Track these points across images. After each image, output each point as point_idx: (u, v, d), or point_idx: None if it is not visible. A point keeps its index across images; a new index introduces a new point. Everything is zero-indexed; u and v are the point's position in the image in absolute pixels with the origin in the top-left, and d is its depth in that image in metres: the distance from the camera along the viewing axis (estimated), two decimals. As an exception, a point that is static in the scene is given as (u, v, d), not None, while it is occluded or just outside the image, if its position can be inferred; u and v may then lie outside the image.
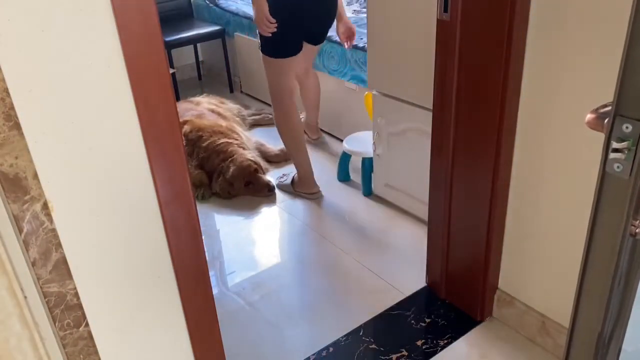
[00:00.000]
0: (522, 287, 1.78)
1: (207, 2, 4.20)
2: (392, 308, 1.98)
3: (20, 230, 0.90)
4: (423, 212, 2.23)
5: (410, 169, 2.37)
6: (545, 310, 1.72)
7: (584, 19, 1.33)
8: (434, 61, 1.70)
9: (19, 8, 0.82)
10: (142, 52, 0.95)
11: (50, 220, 0.93)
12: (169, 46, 3.76)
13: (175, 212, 1.10)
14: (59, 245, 0.96)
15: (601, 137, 0.75)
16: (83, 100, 0.92)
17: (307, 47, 2.62)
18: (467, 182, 1.73)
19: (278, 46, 2.48)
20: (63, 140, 0.92)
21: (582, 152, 1.44)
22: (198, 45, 4.41)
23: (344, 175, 2.86)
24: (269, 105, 3.71)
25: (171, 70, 3.64)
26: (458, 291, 1.94)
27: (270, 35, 2.39)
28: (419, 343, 1.82)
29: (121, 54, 0.93)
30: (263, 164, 2.93)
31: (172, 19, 4.11)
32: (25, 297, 0.91)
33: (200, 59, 4.54)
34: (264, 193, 2.76)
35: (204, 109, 3.15)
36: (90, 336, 1.06)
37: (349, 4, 3.73)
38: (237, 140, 2.94)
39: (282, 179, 2.87)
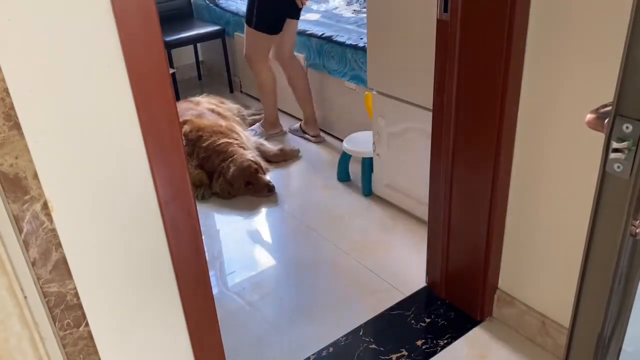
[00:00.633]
0: (522, 287, 1.78)
1: (207, 2, 4.20)
2: (392, 308, 1.98)
3: (20, 230, 0.90)
4: (423, 212, 2.23)
5: (410, 169, 2.37)
6: (545, 310, 1.72)
7: (584, 19, 1.33)
8: (434, 61, 1.70)
9: (19, 8, 0.82)
10: (142, 52, 0.95)
11: (50, 220, 0.93)
12: (169, 46, 3.76)
13: (175, 212, 1.10)
14: (59, 245, 0.96)
15: (601, 137, 0.75)
16: (83, 100, 0.92)
17: (289, 23, 3.02)
18: (467, 182, 1.73)
19: (270, 23, 2.99)
20: (63, 140, 0.92)
21: (582, 152, 1.44)
22: (198, 45, 4.42)
23: (344, 175, 2.86)
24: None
25: (171, 70, 3.64)
26: (458, 291, 1.94)
27: (264, 10, 2.91)
28: (419, 343, 1.83)
29: (121, 54, 0.93)
30: (263, 164, 2.94)
31: (172, 19, 4.11)
32: (25, 297, 0.91)
33: (200, 59, 4.54)
34: (264, 193, 2.76)
35: (204, 109, 3.15)
36: (90, 336, 1.06)
37: (349, 4, 3.74)
38: (237, 140, 2.94)
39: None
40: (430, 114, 1.79)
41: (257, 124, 3.46)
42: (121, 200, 1.02)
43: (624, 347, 0.87)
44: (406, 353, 1.79)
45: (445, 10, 1.58)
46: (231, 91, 4.19)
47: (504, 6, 1.41)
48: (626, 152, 0.72)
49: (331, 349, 1.82)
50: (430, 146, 1.83)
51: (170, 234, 1.10)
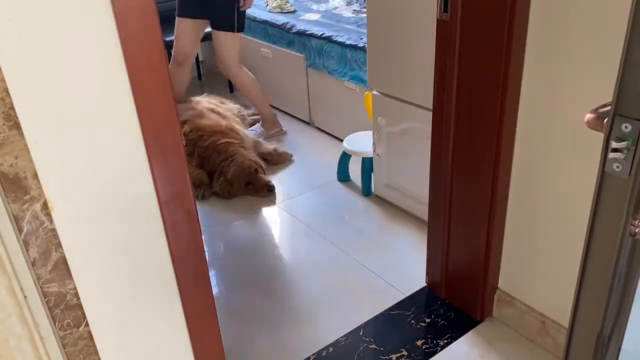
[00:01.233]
0: (522, 287, 1.78)
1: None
2: (392, 308, 1.98)
3: (20, 230, 0.90)
4: (423, 212, 2.23)
5: (410, 169, 2.37)
6: (545, 310, 1.72)
7: (584, 19, 1.33)
8: (434, 61, 1.70)
9: (19, 8, 0.82)
10: (142, 52, 0.95)
11: (50, 220, 0.93)
12: (169, 46, 3.76)
13: (175, 212, 1.10)
14: (59, 245, 0.96)
15: (601, 136, 0.75)
16: (83, 100, 0.92)
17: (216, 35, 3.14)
18: (467, 182, 1.73)
19: (244, 21, 3.07)
20: (63, 140, 0.92)
21: (582, 151, 1.44)
22: (198, 45, 4.41)
23: (343, 175, 2.86)
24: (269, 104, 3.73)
25: (171, 71, 3.63)
26: (458, 291, 1.94)
27: (242, 11, 2.98)
28: (418, 343, 1.83)
29: (121, 53, 0.93)
30: (263, 163, 2.94)
31: (172, 19, 4.10)
32: (25, 297, 0.91)
33: (200, 59, 4.54)
34: (264, 193, 2.76)
35: (204, 109, 3.15)
36: (90, 336, 1.06)
37: (349, 4, 3.74)
38: (237, 139, 2.94)
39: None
40: (430, 114, 1.79)
41: (257, 124, 3.47)
42: (121, 200, 1.02)
43: (623, 346, 0.87)
44: (406, 353, 1.79)
45: (445, 10, 1.58)
46: (231, 91, 4.19)
47: (504, 6, 1.41)
48: (625, 151, 0.72)
49: (331, 349, 1.82)
50: (430, 146, 1.83)
51: (170, 234, 1.10)
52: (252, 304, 2.06)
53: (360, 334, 1.88)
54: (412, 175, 2.38)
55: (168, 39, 3.71)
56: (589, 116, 0.78)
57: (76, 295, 1.01)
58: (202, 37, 3.21)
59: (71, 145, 0.93)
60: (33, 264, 0.93)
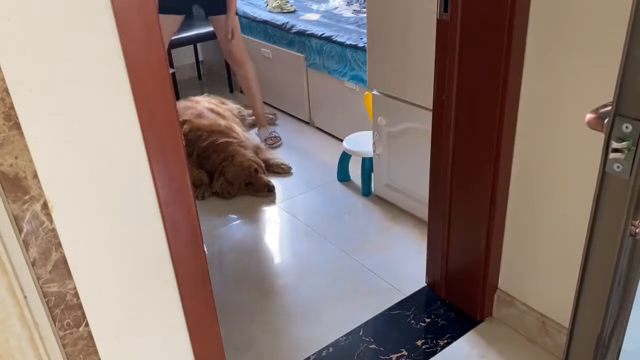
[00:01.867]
0: (522, 287, 1.78)
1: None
2: (392, 308, 1.98)
3: (20, 230, 0.90)
4: (423, 212, 2.23)
5: (410, 169, 2.37)
6: (545, 310, 1.72)
7: (584, 19, 1.33)
8: (434, 61, 1.70)
9: (19, 8, 0.82)
10: (142, 52, 0.95)
11: (50, 220, 0.93)
12: (169, 46, 3.76)
13: (175, 212, 1.10)
14: (59, 245, 0.96)
15: (601, 137, 0.75)
16: (83, 100, 0.92)
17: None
18: (467, 183, 1.73)
19: None
20: (63, 140, 0.92)
21: (582, 152, 1.44)
22: (198, 45, 4.41)
23: (343, 175, 2.86)
24: (269, 104, 3.72)
25: (171, 70, 3.64)
26: (458, 291, 1.94)
27: None
28: (418, 343, 1.83)
29: (121, 53, 0.93)
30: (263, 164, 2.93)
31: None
32: (25, 297, 0.91)
33: (200, 59, 4.54)
34: (264, 193, 2.76)
35: (204, 109, 3.15)
36: (90, 336, 1.06)
37: (349, 4, 3.74)
38: (236, 139, 2.94)
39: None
40: (430, 114, 1.79)
41: (256, 128, 3.44)
42: (121, 200, 1.02)
43: (623, 346, 0.87)
44: (406, 353, 1.79)
45: (445, 10, 1.58)
46: (231, 91, 4.19)
47: (504, 6, 1.41)
48: (626, 152, 0.72)
49: (331, 349, 1.82)
50: (430, 146, 1.83)
51: (170, 234, 1.10)
52: (252, 304, 2.06)
53: (360, 334, 1.88)
54: (412, 175, 2.38)
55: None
56: (589, 116, 0.78)
57: (76, 295, 1.01)
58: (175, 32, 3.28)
59: (71, 145, 0.93)
60: (33, 264, 0.93)
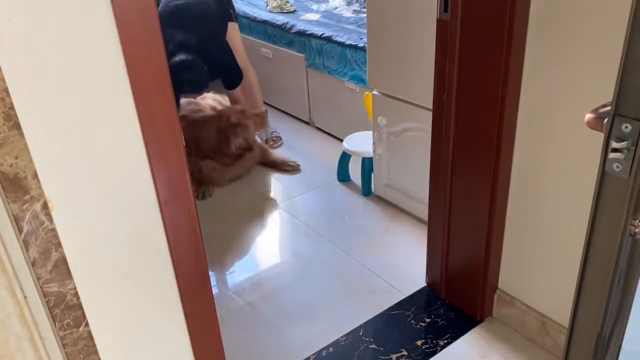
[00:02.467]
0: (522, 287, 1.78)
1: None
2: (392, 308, 1.98)
3: (20, 230, 0.90)
4: (423, 212, 2.23)
5: (410, 169, 2.37)
6: (545, 310, 1.72)
7: (584, 19, 1.33)
8: (434, 61, 1.70)
9: (19, 8, 0.82)
10: (142, 52, 0.95)
11: (50, 220, 0.93)
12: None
13: (175, 212, 1.10)
14: (59, 245, 0.96)
15: (601, 136, 0.75)
16: (83, 100, 0.92)
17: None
18: (467, 182, 1.73)
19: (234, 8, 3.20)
20: (63, 140, 0.92)
21: (582, 151, 1.44)
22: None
23: (343, 175, 2.86)
24: (268, 104, 3.72)
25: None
26: (458, 291, 1.94)
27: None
28: (418, 343, 1.83)
29: (121, 53, 0.93)
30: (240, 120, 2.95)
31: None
32: (25, 297, 0.91)
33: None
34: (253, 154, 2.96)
35: (206, 105, 3.15)
36: (90, 336, 1.06)
37: (349, 4, 3.74)
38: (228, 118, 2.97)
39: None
40: (430, 114, 1.79)
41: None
42: (121, 200, 1.02)
43: (623, 346, 0.87)
44: (406, 353, 1.79)
45: (445, 10, 1.58)
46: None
47: (504, 6, 1.41)
48: (625, 151, 0.72)
49: (331, 349, 1.82)
50: (430, 146, 1.83)
51: (170, 234, 1.10)
52: (252, 304, 2.06)
53: (360, 333, 1.88)
54: (412, 175, 2.38)
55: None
56: (589, 116, 0.78)
57: (76, 295, 1.01)
58: None
59: (71, 145, 0.93)
60: (33, 264, 0.93)
